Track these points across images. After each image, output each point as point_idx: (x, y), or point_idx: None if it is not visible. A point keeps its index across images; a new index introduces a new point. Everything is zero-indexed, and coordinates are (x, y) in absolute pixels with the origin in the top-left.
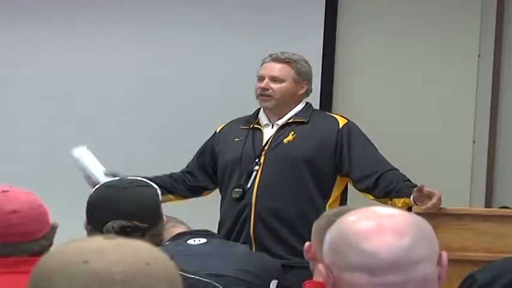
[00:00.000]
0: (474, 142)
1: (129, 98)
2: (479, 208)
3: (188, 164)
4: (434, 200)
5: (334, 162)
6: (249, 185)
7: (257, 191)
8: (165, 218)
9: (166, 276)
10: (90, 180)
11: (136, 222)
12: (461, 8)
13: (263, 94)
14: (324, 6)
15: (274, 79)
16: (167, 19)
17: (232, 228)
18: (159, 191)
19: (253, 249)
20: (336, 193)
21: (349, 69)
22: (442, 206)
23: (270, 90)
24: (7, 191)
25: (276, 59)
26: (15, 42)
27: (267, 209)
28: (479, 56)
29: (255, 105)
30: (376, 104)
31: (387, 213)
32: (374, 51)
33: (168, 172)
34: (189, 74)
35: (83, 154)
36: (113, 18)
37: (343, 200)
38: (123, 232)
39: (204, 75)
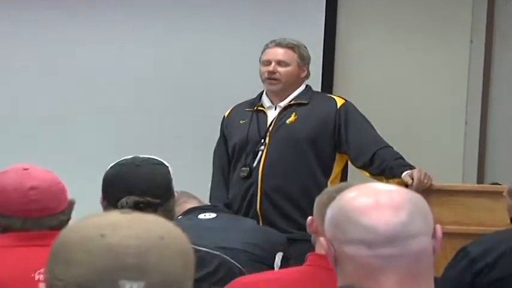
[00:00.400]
0: (466, 123)
1: (130, 95)
2: (472, 184)
3: (214, 171)
4: (415, 180)
5: (333, 141)
6: (255, 164)
7: (262, 169)
8: (176, 194)
9: (179, 250)
10: None
11: (148, 198)
12: None
13: (271, 78)
14: None
15: (280, 63)
16: (169, 10)
17: (241, 205)
18: (170, 169)
19: (260, 224)
20: (336, 170)
21: (349, 54)
22: (435, 183)
23: (277, 74)
24: (27, 169)
25: (279, 44)
26: (16, 39)
27: (272, 187)
28: (471, 41)
29: (255, 89)
30: (374, 87)
31: (385, 190)
32: (372, 37)
33: None
34: (193, 60)
35: None
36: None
37: (343, 176)
38: (137, 207)
39: (205, 65)
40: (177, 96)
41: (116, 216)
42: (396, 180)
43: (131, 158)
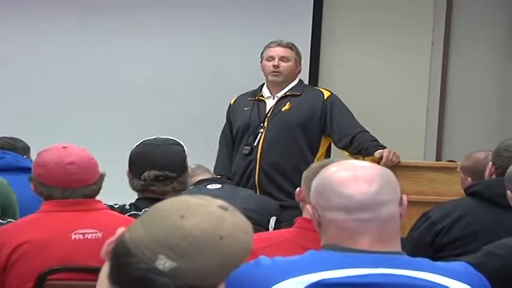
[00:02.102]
0: (427, 110)
1: (133, 93)
2: (432, 162)
3: (220, 144)
4: (383, 159)
5: (320, 126)
6: (255, 144)
7: (261, 148)
8: (194, 166)
9: (227, 254)
10: None
11: (166, 172)
12: (417, 7)
13: (276, 71)
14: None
15: (283, 59)
16: (171, 15)
17: (241, 177)
18: (185, 148)
19: (258, 194)
20: (322, 150)
21: (332, 52)
22: (402, 160)
23: (281, 68)
24: (66, 147)
25: (280, 44)
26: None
27: (269, 163)
28: (432, 43)
29: (248, 81)
30: (352, 80)
31: (360, 166)
32: (351, 37)
33: None
34: (191, 57)
35: None
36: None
37: (327, 155)
38: (156, 180)
39: (204, 60)
40: (185, 89)
41: (209, 205)
42: (370, 158)
43: (153, 138)
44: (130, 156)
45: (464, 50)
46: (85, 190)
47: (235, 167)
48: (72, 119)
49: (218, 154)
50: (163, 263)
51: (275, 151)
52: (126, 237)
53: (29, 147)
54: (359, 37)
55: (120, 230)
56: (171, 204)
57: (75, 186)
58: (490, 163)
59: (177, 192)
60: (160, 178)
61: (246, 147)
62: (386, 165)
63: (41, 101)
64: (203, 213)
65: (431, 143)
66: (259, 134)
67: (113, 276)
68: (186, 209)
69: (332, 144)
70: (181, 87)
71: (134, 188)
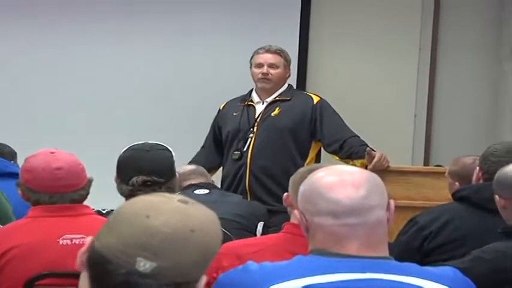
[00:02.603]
0: (415, 116)
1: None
2: (419, 166)
3: (204, 144)
4: (376, 158)
5: (310, 130)
6: (245, 149)
7: (251, 153)
8: (185, 170)
9: (203, 246)
10: None
11: (154, 177)
12: (404, 13)
13: (265, 78)
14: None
15: (271, 66)
16: (168, 23)
17: (231, 182)
18: (173, 153)
19: (248, 199)
20: (311, 154)
21: (319, 57)
22: (390, 165)
23: (270, 75)
24: (54, 152)
25: (269, 51)
26: (30, 40)
27: (259, 167)
28: (420, 49)
29: (236, 85)
30: (340, 85)
31: (348, 171)
32: (338, 43)
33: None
34: (185, 60)
35: None
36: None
37: (317, 160)
38: (144, 185)
39: (196, 65)
40: (176, 93)
41: (170, 203)
42: (360, 161)
43: (142, 143)
44: (118, 161)
45: (451, 56)
46: (73, 195)
47: (226, 171)
48: (70, 120)
49: (197, 152)
50: (143, 265)
51: (265, 156)
52: (97, 246)
53: (15, 153)
54: (347, 42)
55: (89, 239)
56: (133, 206)
57: (62, 191)
58: (477, 168)
59: None
60: (149, 183)
61: (235, 152)
62: (375, 169)
63: (40, 103)
64: (167, 210)
65: (419, 148)
66: (249, 139)
67: (94, 286)
68: (149, 209)
69: (322, 148)
70: (178, 90)
71: (122, 193)
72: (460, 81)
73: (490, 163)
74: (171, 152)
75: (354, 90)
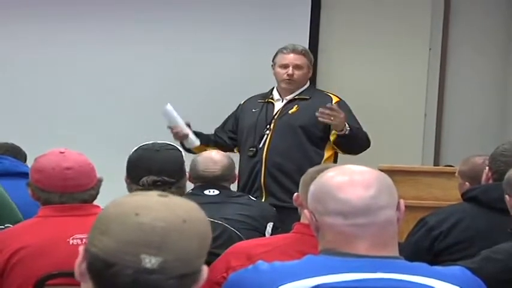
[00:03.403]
0: (425, 115)
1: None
2: (429, 166)
3: (216, 129)
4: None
5: (326, 130)
6: (261, 145)
7: (267, 150)
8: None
9: (197, 233)
10: (176, 129)
11: (165, 177)
12: (414, 14)
13: (290, 79)
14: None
15: (297, 67)
16: (168, 17)
17: (247, 179)
18: (183, 153)
19: (263, 195)
20: (328, 153)
21: (329, 56)
22: (400, 165)
23: (295, 76)
24: (63, 152)
25: (294, 51)
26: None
27: (274, 164)
28: (430, 49)
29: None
30: (350, 84)
31: (358, 170)
32: (348, 42)
33: None
34: (193, 59)
35: (171, 109)
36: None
37: (335, 158)
38: (155, 185)
39: (206, 65)
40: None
41: (152, 198)
42: (333, 132)
43: (151, 143)
44: (128, 162)
45: (461, 56)
46: (83, 195)
47: (241, 168)
48: (72, 120)
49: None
50: (149, 261)
51: (280, 153)
52: (95, 251)
53: (25, 156)
54: (357, 43)
55: (81, 249)
56: (119, 207)
57: (72, 191)
58: (487, 168)
59: None
60: (159, 183)
61: (251, 148)
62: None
63: (39, 103)
64: (153, 205)
65: (429, 148)
66: (265, 136)
67: None
68: (136, 207)
69: None
70: (183, 89)
71: None
72: (469, 81)
73: (500, 163)
74: (180, 151)
75: (364, 91)
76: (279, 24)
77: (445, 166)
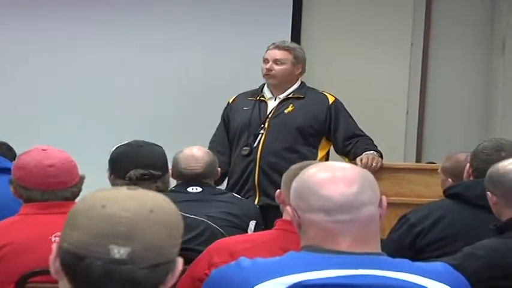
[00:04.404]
0: (407, 112)
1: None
2: (411, 163)
3: (212, 139)
4: (363, 161)
5: (322, 130)
6: (255, 145)
7: (261, 149)
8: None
9: (166, 222)
10: None
11: (151, 171)
12: (396, 8)
13: (268, 74)
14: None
15: (276, 62)
16: (165, 20)
17: (239, 178)
18: (164, 150)
19: (257, 195)
20: (321, 153)
21: (311, 53)
22: (382, 162)
23: (273, 71)
24: (46, 150)
25: (278, 47)
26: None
27: (268, 164)
28: (411, 44)
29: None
30: (331, 81)
31: (340, 167)
32: (330, 38)
33: None
34: (188, 59)
35: None
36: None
37: (327, 159)
38: (142, 178)
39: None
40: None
41: (120, 191)
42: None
43: (133, 140)
44: (111, 158)
45: (443, 51)
46: (65, 192)
47: (234, 166)
48: (66, 119)
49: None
50: (118, 251)
51: (275, 152)
52: (66, 246)
53: (15, 154)
54: (338, 38)
55: (54, 246)
56: (86, 201)
57: (55, 188)
58: (468, 165)
59: (161, 191)
60: (146, 177)
61: (245, 148)
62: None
63: (36, 102)
64: (119, 197)
65: (411, 144)
66: (260, 135)
67: (78, 286)
68: (103, 199)
69: (332, 148)
70: (171, 89)
71: None
72: (452, 77)
73: (480, 161)
74: (162, 148)
75: (346, 87)
76: (259, 22)
77: (427, 163)
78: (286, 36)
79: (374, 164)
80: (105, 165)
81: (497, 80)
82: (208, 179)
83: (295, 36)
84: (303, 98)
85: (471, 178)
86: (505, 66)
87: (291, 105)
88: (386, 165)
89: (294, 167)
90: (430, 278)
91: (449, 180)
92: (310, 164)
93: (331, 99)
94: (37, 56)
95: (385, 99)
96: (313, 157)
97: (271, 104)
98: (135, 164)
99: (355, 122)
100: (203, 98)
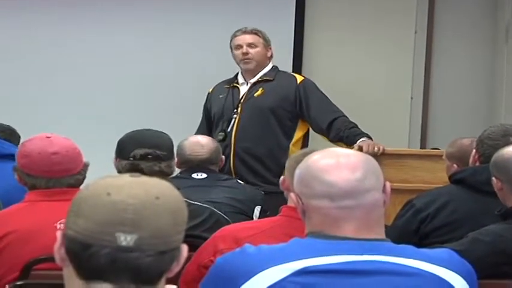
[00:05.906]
0: (412, 98)
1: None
2: (416, 149)
3: (196, 131)
4: (364, 149)
5: (294, 111)
6: (229, 129)
7: (235, 134)
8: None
9: (171, 209)
10: None
11: (157, 150)
12: None
13: (246, 58)
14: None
15: (250, 45)
16: (164, 17)
17: None
18: (171, 138)
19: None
20: (298, 135)
21: (315, 41)
22: (386, 148)
23: (250, 54)
24: (50, 137)
25: (245, 32)
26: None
27: (243, 148)
28: (415, 32)
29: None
30: (336, 69)
31: (344, 153)
32: (333, 27)
33: None
34: (185, 56)
35: None
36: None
37: (305, 140)
38: (145, 158)
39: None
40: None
41: (124, 178)
42: (352, 147)
43: (140, 128)
44: (118, 143)
45: (447, 38)
46: (69, 180)
47: None
48: (64, 111)
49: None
50: (125, 239)
51: (248, 136)
52: (72, 234)
53: (19, 138)
54: (342, 26)
55: (59, 234)
56: (90, 189)
57: (59, 176)
58: (474, 150)
59: (165, 175)
60: (150, 156)
61: (220, 133)
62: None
63: (34, 95)
64: (124, 184)
65: (416, 130)
66: (233, 120)
67: (83, 273)
68: (107, 187)
69: (310, 129)
70: (170, 81)
71: (121, 170)
72: (456, 63)
73: (487, 146)
74: (170, 136)
75: (350, 75)
76: (263, 12)
77: (432, 149)
78: (290, 24)
79: (376, 149)
80: (105, 157)
81: (501, 66)
82: (213, 165)
83: (299, 24)
84: (273, 80)
85: (477, 164)
86: (508, 53)
87: (261, 88)
88: (391, 151)
89: (296, 154)
90: (435, 264)
91: (454, 165)
92: (313, 151)
93: (299, 79)
94: (36, 52)
95: (389, 86)
96: (288, 138)
97: (243, 89)
98: (140, 144)
99: (328, 100)
100: (204, 95)
